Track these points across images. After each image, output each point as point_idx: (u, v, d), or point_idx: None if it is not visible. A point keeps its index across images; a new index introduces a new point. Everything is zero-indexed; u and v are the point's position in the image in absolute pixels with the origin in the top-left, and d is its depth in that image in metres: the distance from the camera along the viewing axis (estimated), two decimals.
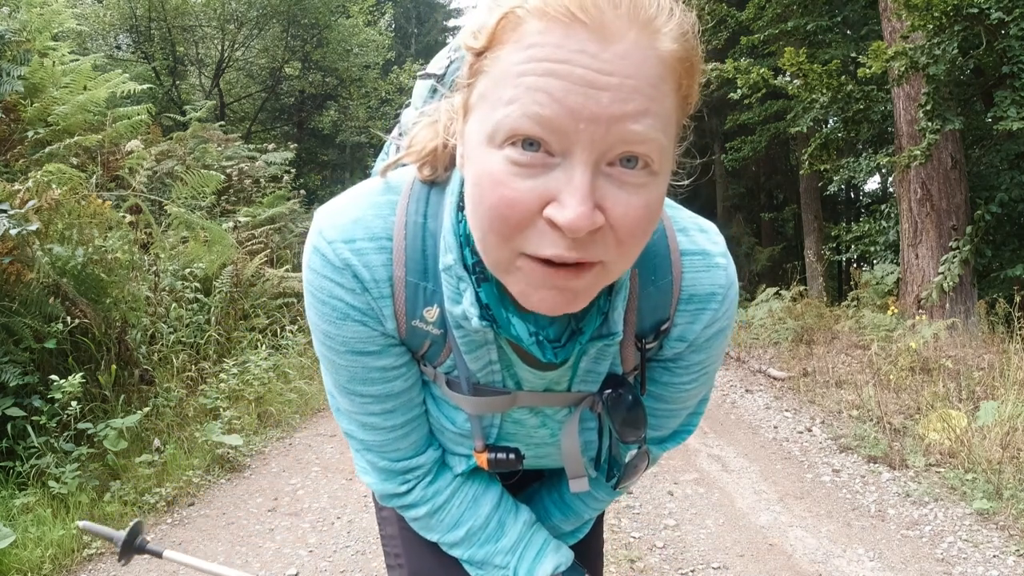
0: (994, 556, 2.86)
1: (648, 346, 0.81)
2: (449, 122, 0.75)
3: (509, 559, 0.91)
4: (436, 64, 0.95)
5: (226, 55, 13.15)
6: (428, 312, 0.76)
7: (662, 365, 0.87)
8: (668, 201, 0.80)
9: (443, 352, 0.79)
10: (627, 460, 0.86)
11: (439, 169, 0.77)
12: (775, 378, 6.47)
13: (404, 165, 0.80)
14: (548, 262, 0.60)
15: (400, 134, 1.01)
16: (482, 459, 0.85)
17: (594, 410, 0.85)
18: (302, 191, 10.30)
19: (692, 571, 2.82)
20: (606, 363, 0.81)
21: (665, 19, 0.58)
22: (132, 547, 1.21)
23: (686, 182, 0.73)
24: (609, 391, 0.82)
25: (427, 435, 0.89)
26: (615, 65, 0.55)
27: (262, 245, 7.17)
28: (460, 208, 0.72)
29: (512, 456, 0.85)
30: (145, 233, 5.45)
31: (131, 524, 1.22)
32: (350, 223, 0.74)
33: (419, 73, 0.99)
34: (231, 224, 6.86)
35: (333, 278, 0.73)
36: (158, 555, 1.23)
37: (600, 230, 0.58)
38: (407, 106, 1.03)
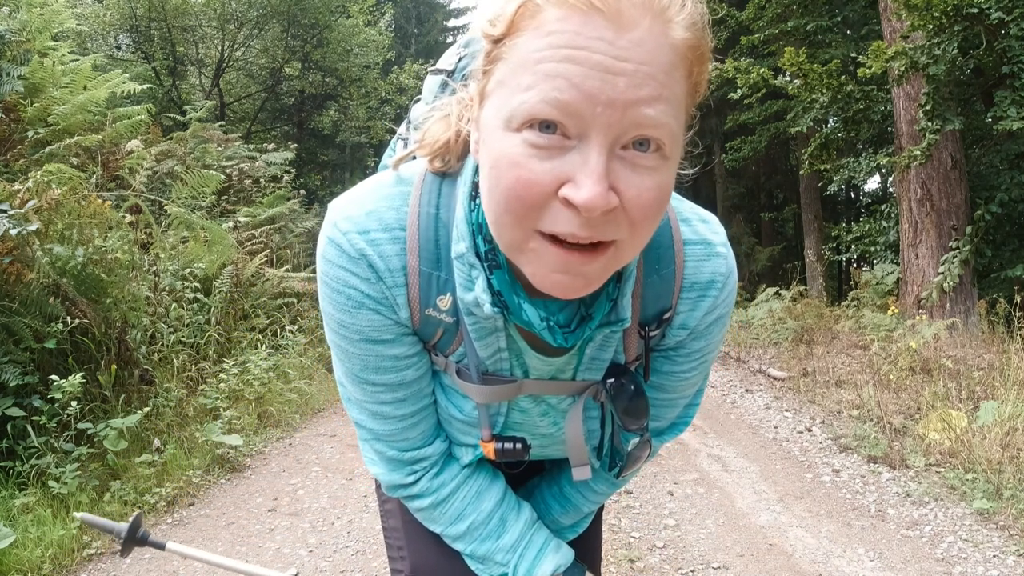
0: (994, 556, 2.86)
1: (651, 334, 0.83)
2: (461, 113, 0.77)
3: (510, 557, 0.92)
4: (446, 60, 0.97)
5: (226, 55, 13.14)
6: (441, 300, 0.78)
7: (663, 354, 0.89)
8: (672, 193, 0.82)
9: (455, 341, 0.81)
10: (629, 449, 0.88)
11: (451, 161, 0.78)
12: (775, 378, 6.47)
13: (416, 158, 0.82)
14: (562, 243, 0.61)
15: (409, 129, 1.02)
16: (489, 448, 0.86)
17: (597, 399, 0.87)
18: (302, 191, 10.30)
19: (692, 571, 2.82)
20: (610, 350, 0.83)
21: (678, 8, 0.60)
22: (134, 539, 1.21)
23: (691, 171, 0.75)
24: (612, 380, 0.83)
25: (435, 426, 0.91)
26: (630, 52, 0.57)
27: (262, 245, 7.16)
28: (472, 197, 0.74)
29: (519, 446, 0.86)
30: (145, 233, 5.45)
31: (132, 516, 1.22)
32: (364, 214, 0.75)
33: (430, 69, 1.00)
34: (231, 224, 6.86)
35: (348, 268, 0.75)
36: (160, 547, 1.23)
37: (613, 212, 0.60)
38: (417, 101, 1.05)
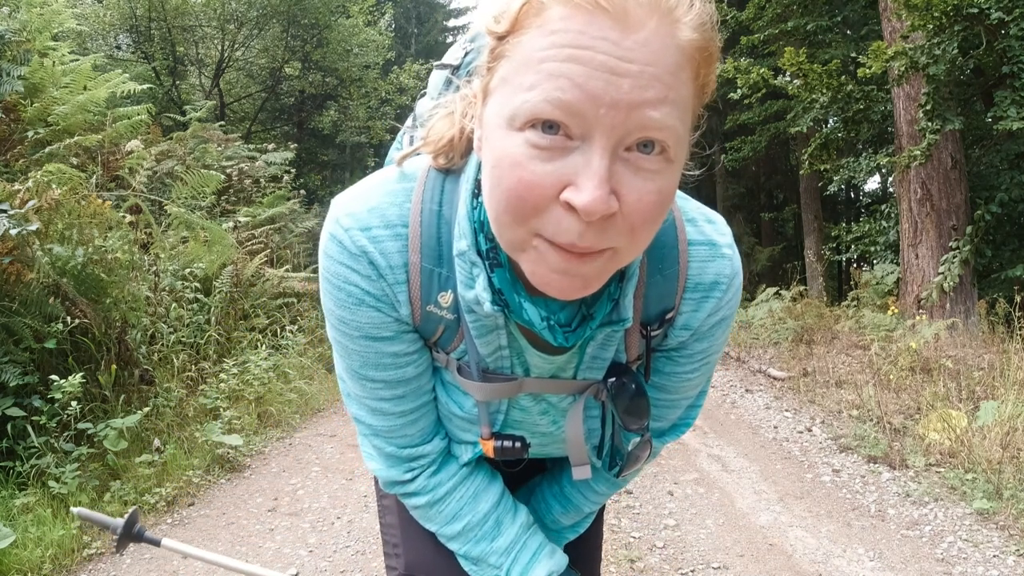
0: (994, 556, 2.86)
1: (653, 334, 0.83)
2: (466, 110, 0.76)
3: (503, 560, 0.92)
4: (452, 55, 0.97)
5: (226, 55, 13.13)
6: (442, 297, 0.78)
7: (665, 355, 0.88)
8: (678, 192, 0.81)
9: (456, 338, 0.81)
10: (630, 449, 0.87)
11: (455, 158, 0.78)
12: (775, 378, 6.46)
13: (420, 155, 0.82)
14: (561, 247, 0.61)
15: (414, 124, 1.03)
16: (488, 446, 0.86)
17: (598, 398, 0.86)
18: (302, 191, 10.30)
19: (692, 571, 2.82)
20: (612, 349, 0.83)
21: (685, 9, 0.59)
22: (130, 535, 1.20)
23: (696, 173, 0.74)
24: (613, 379, 0.83)
25: (435, 424, 0.91)
26: (636, 53, 0.56)
27: (262, 245, 7.16)
28: (475, 195, 0.74)
29: (518, 444, 0.86)
30: (145, 233, 5.45)
31: (129, 512, 1.21)
32: (366, 211, 0.75)
33: (435, 64, 1.00)
34: (231, 224, 6.85)
35: (349, 264, 0.75)
36: (156, 543, 1.23)
37: (613, 216, 0.59)
38: (422, 96, 1.04)
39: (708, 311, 0.83)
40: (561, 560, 0.94)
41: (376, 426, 0.88)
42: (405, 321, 0.79)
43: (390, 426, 0.87)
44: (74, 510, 1.27)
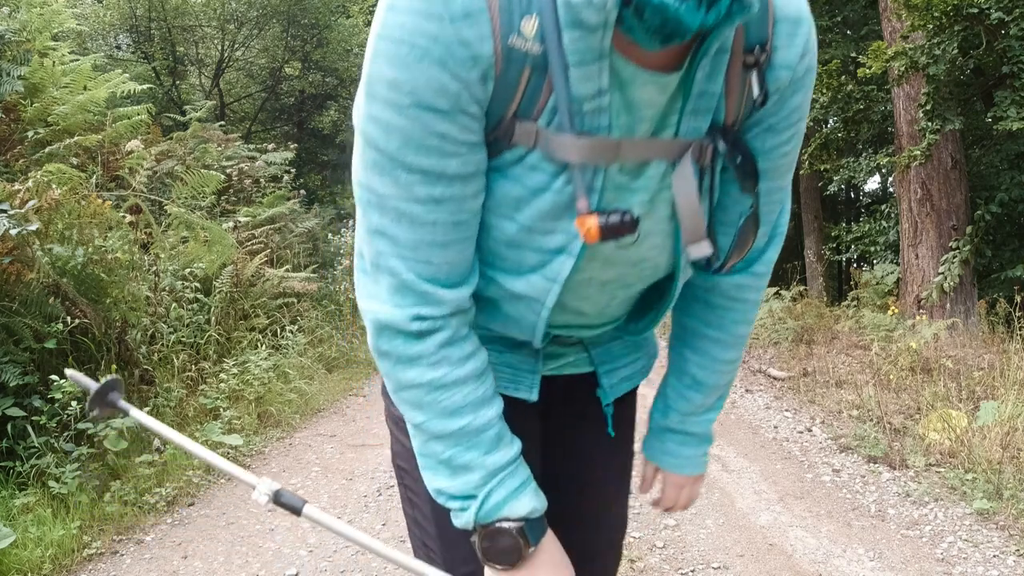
0: (994, 556, 2.87)
1: (758, 58, 0.78)
2: None
3: (488, 480, 0.82)
4: None
5: (226, 55, 13.14)
6: (526, 24, 0.70)
7: (763, 128, 0.85)
8: None
9: (544, 88, 0.72)
10: (739, 224, 0.84)
11: None
12: (775, 378, 6.46)
13: None
14: None
15: None
16: (591, 223, 0.73)
17: (701, 161, 0.80)
18: (302, 191, 10.29)
19: (692, 571, 2.82)
20: (719, 81, 0.78)
21: None
22: (103, 401, 1.17)
23: None
24: (718, 133, 0.80)
25: (467, 268, 0.81)
26: None
27: (262, 245, 7.16)
28: None
29: (627, 218, 0.74)
30: (145, 233, 5.45)
31: (108, 378, 1.18)
32: None
33: None
34: (231, 224, 6.85)
35: (420, 9, 0.68)
36: (125, 413, 1.20)
37: None
38: None
39: (800, 48, 0.80)
40: (543, 503, 0.86)
41: (400, 237, 0.76)
42: (480, 74, 0.70)
43: (416, 240, 0.76)
44: (68, 372, 1.26)
